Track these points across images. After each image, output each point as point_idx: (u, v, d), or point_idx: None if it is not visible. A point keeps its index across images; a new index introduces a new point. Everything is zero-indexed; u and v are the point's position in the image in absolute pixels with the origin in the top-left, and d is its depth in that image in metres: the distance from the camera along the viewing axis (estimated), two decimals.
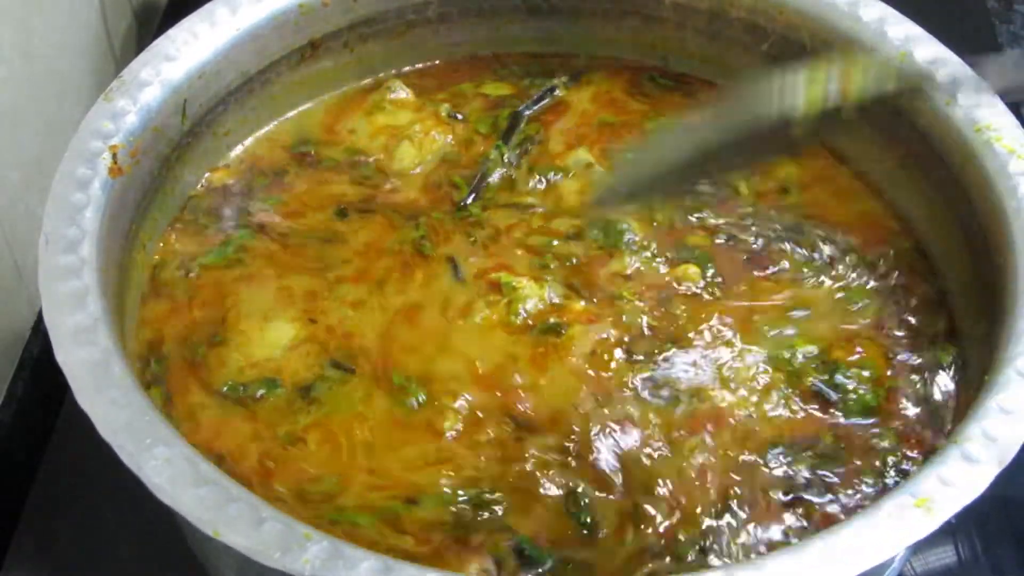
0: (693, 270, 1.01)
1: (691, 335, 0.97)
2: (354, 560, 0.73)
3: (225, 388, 0.94)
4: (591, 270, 1.01)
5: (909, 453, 0.91)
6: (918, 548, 1.01)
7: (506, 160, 1.10)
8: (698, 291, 1.00)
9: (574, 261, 1.02)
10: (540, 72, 1.19)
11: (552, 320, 0.96)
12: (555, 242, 1.03)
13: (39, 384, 1.16)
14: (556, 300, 0.98)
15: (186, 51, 1.04)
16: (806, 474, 0.89)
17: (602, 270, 1.01)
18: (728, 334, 0.97)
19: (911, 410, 0.93)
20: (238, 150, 1.12)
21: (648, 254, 1.02)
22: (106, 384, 0.81)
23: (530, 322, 0.96)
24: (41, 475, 1.08)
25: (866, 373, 0.95)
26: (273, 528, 0.74)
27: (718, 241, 1.04)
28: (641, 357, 0.94)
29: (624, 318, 0.97)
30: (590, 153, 1.11)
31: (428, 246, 1.03)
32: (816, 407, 0.93)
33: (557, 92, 1.17)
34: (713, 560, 0.84)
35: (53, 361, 0.82)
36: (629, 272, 1.01)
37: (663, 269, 1.01)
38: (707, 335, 0.97)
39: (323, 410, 0.92)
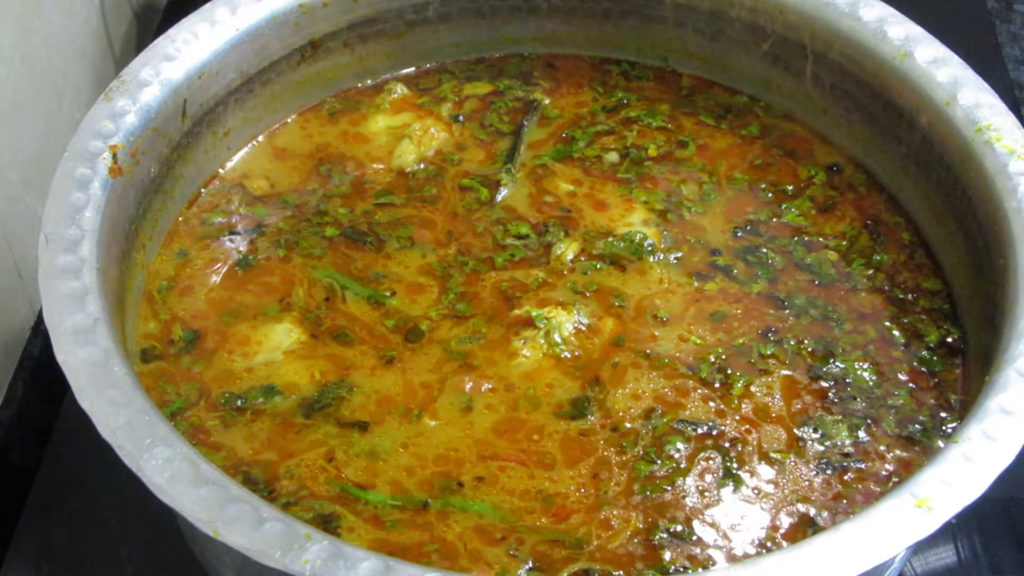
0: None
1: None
2: (354, 560, 0.73)
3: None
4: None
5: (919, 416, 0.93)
6: (918, 548, 1.01)
7: (514, 175, 1.10)
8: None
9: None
10: (532, 74, 1.20)
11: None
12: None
13: (39, 384, 1.16)
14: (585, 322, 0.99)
15: (186, 51, 1.04)
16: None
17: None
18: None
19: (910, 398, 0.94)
20: (241, 153, 1.12)
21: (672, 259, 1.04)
22: (106, 384, 0.81)
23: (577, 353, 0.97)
24: (41, 475, 1.08)
25: (866, 365, 0.96)
26: (273, 528, 0.74)
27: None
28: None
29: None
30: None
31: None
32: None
33: (547, 101, 1.18)
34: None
35: (53, 361, 0.82)
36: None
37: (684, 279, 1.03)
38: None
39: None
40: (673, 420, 0.92)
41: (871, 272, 1.03)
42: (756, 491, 0.89)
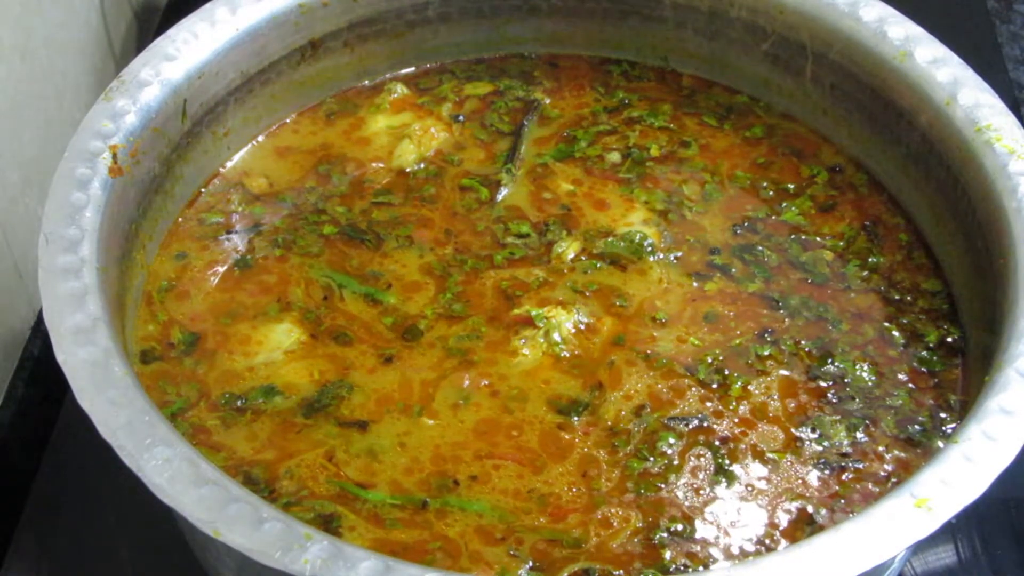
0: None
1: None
2: (354, 560, 0.73)
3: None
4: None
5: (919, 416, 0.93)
6: (918, 548, 1.01)
7: (514, 175, 1.10)
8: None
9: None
10: (533, 73, 1.20)
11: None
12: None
13: (39, 384, 1.16)
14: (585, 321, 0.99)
15: (186, 51, 1.04)
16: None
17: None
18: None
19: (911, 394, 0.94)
20: (241, 153, 1.12)
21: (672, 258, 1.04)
22: (106, 384, 0.81)
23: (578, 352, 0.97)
24: (41, 475, 1.08)
25: (865, 365, 0.96)
26: (273, 528, 0.74)
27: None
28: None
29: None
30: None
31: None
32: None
33: (547, 101, 1.18)
34: None
35: (53, 361, 0.82)
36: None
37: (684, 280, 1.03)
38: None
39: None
40: (664, 417, 0.92)
41: (866, 273, 1.03)
42: (752, 489, 0.89)
